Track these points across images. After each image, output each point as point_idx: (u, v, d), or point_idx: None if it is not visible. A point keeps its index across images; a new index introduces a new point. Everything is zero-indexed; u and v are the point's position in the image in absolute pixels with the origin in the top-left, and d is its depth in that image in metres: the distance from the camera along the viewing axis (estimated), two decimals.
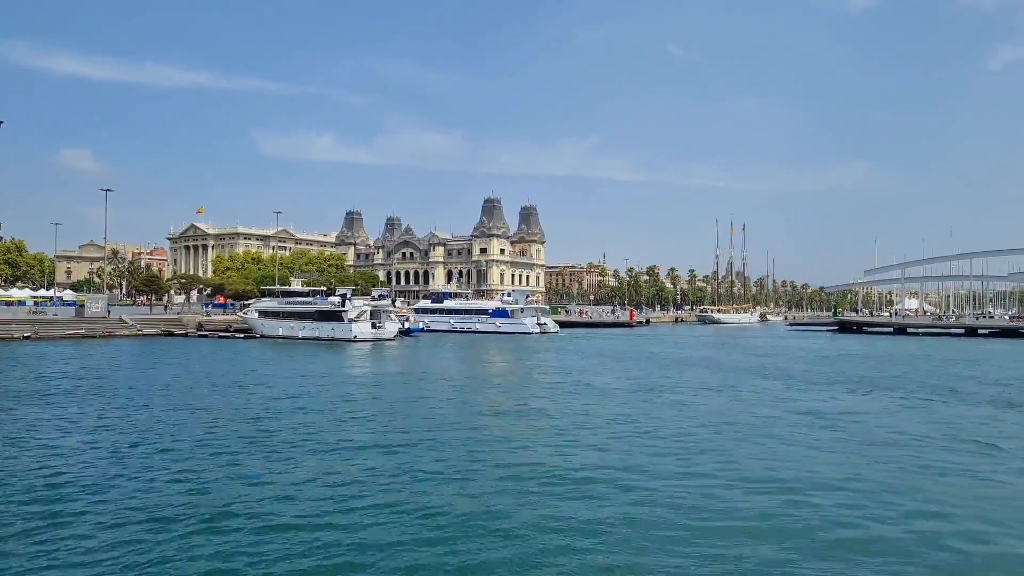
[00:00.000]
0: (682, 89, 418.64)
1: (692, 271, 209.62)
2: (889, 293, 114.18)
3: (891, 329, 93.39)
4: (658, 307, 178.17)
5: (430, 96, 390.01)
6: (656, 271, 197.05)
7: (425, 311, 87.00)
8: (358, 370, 40.17)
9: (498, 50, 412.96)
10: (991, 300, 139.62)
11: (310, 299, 69.73)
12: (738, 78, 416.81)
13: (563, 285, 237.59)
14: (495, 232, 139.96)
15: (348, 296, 67.28)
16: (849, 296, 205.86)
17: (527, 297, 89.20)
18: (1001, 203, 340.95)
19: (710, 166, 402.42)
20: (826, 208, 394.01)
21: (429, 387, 31.02)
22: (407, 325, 76.44)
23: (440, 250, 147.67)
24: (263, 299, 78.19)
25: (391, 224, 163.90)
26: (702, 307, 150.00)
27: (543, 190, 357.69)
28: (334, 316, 64.31)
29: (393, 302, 76.10)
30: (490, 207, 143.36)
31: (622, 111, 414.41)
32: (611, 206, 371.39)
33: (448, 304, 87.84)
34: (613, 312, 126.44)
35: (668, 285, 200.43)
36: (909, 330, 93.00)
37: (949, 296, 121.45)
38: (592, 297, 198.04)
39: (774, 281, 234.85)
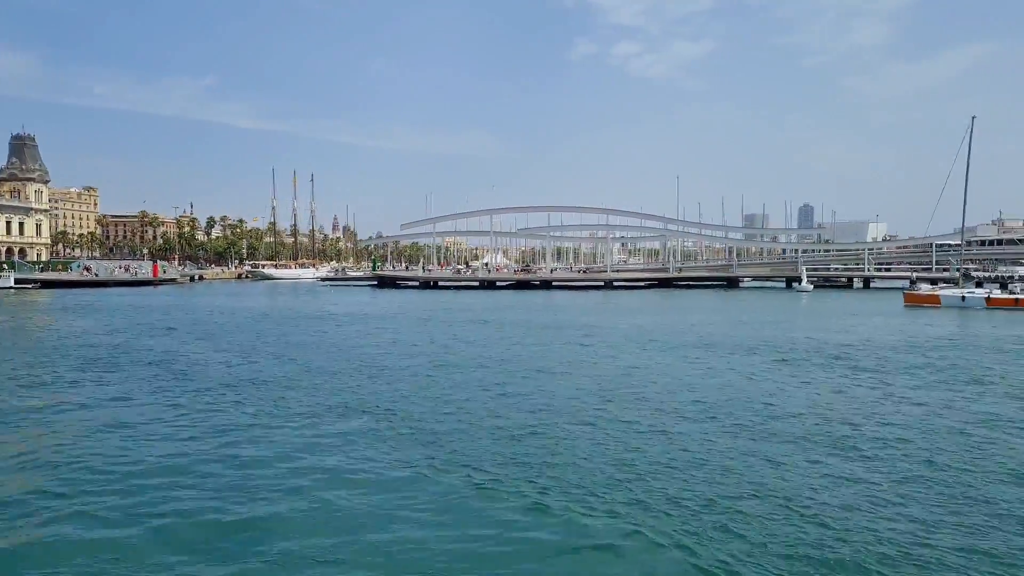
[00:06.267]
0: (314, 38, 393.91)
1: (272, 223, 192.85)
2: (476, 249, 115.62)
3: (417, 283, 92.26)
4: (230, 261, 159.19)
5: None
6: (226, 221, 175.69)
7: None
8: None
9: None
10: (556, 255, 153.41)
11: None
12: (370, 35, 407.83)
13: (133, 237, 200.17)
14: None
15: None
16: (433, 251, 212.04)
17: None
18: (571, 169, 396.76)
19: (343, 121, 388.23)
20: (447, 170, 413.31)
21: None
22: None
23: None
24: None
25: None
26: (253, 262, 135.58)
27: (146, 130, 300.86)
28: None
29: None
30: None
31: (246, 53, 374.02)
32: (225, 154, 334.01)
33: None
34: (127, 270, 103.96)
35: (250, 239, 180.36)
36: (440, 284, 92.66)
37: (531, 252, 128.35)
38: (147, 251, 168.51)
39: (357, 236, 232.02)
